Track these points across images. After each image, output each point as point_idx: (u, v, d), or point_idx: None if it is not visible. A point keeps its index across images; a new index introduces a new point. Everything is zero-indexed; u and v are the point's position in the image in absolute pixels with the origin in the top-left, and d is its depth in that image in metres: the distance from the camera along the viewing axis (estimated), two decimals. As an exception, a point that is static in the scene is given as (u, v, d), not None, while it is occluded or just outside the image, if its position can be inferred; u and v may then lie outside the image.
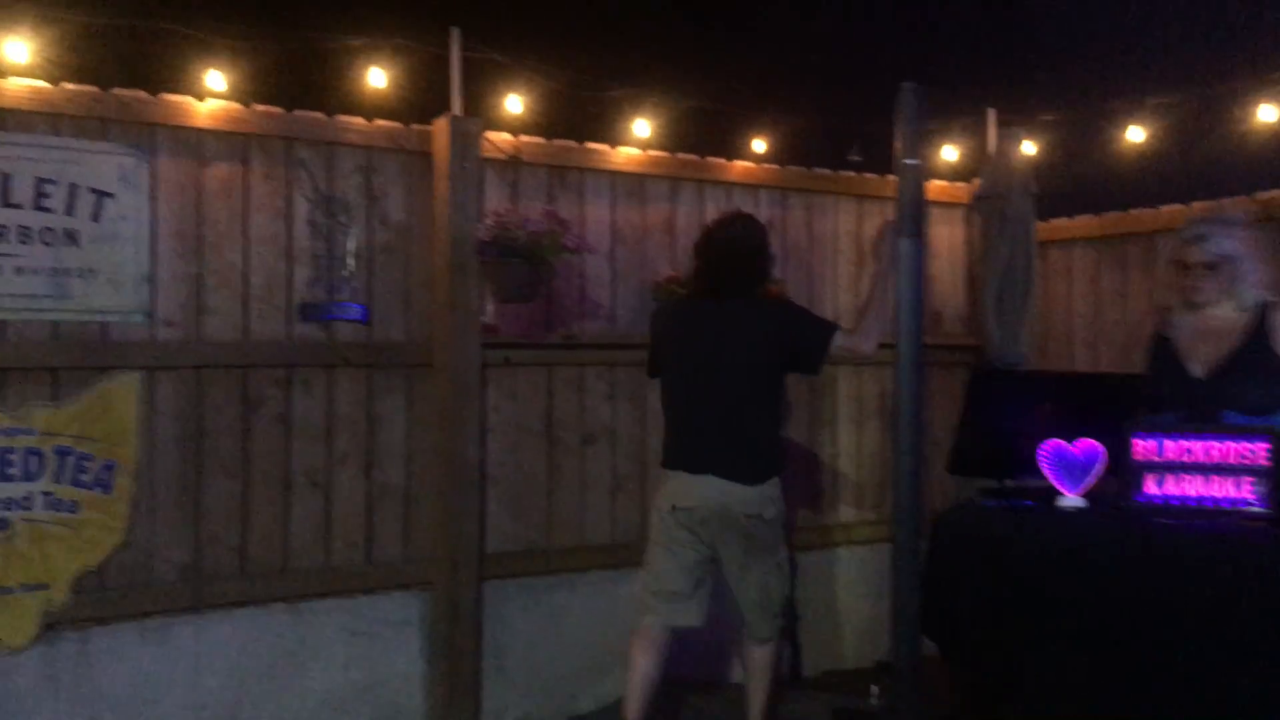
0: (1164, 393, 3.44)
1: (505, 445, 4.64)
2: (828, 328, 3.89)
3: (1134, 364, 5.11)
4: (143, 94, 3.98)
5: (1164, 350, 3.60)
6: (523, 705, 4.65)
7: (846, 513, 5.48)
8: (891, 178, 5.50)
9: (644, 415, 4.95)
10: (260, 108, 4.17)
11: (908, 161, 2.53)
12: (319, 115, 4.28)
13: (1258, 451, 2.74)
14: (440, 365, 4.42)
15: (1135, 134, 5.18)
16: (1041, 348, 5.73)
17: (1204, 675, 2.65)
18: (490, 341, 4.49)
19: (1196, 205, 5.06)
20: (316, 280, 4.28)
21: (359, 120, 4.36)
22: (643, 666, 4.00)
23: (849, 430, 5.49)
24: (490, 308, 4.50)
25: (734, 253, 4.00)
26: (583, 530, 4.83)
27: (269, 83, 4.20)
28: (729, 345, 3.88)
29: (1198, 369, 3.49)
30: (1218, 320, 3.56)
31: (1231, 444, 2.76)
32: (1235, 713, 2.61)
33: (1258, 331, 3.48)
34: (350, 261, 4.34)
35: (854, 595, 5.44)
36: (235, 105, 4.11)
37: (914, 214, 2.53)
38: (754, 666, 4.10)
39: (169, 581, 4.02)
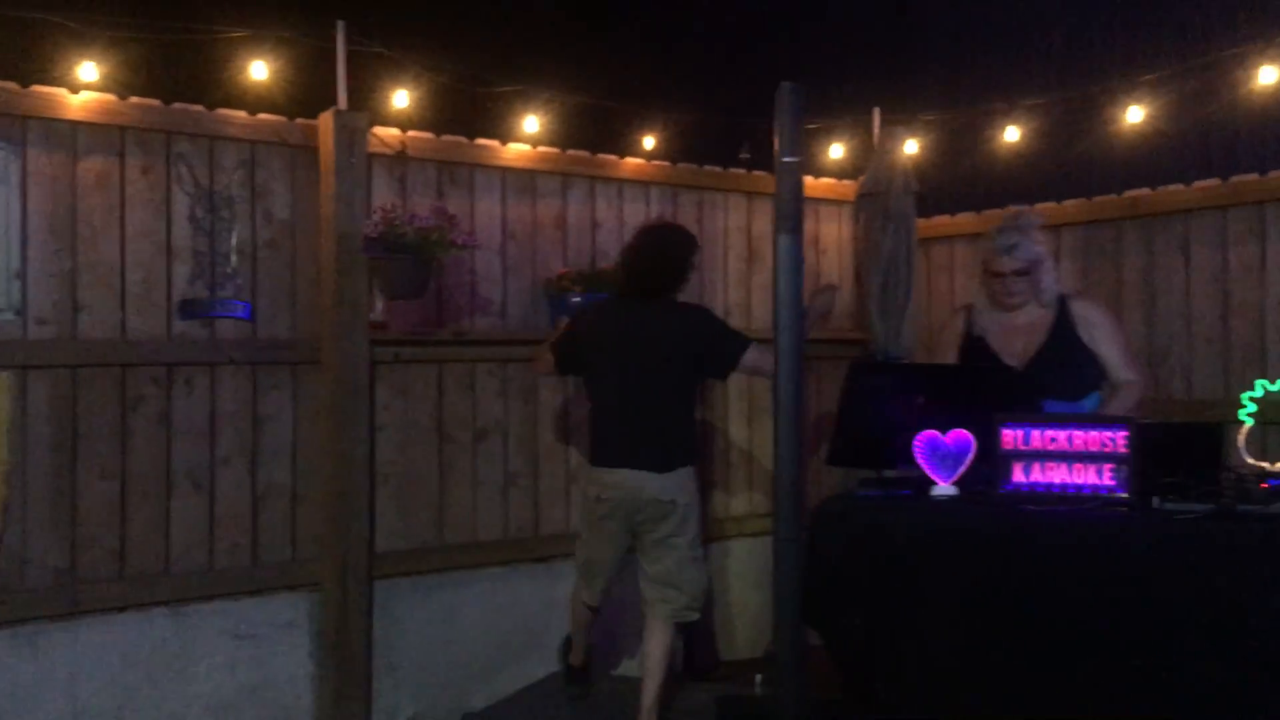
0: (986, 388, 3.61)
1: (395, 443, 4.60)
2: (741, 343, 4.06)
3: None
4: (13, 86, 3.85)
5: (978, 349, 3.84)
6: (415, 704, 4.62)
7: (739, 505, 5.55)
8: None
9: (536, 411, 4.96)
10: (137, 100, 4.07)
11: (786, 159, 2.58)
12: (199, 108, 4.19)
13: (1117, 439, 2.86)
14: (328, 362, 4.36)
15: (1012, 134, 5.35)
16: (925, 342, 5.87)
17: (1071, 652, 2.76)
18: (379, 338, 4.45)
19: (1069, 203, 5.25)
20: (198, 277, 4.19)
21: (241, 114, 4.28)
22: (582, 639, 4.52)
23: (740, 425, 5.56)
24: (380, 304, 4.46)
25: (660, 258, 4.17)
26: (475, 527, 4.81)
27: (148, 75, 4.10)
28: (649, 347, 4.05)
29: (1012, 361, 3.76)
30: (1025, 317, 3.86)
31: (1093, 433, 2.88)
32: (1100, 687, 2.72)
33: (1061, 323, 3.81)
34: (233, 258, 4.26)
35: (746, 586, 5.52)
36: (110, 97, 4.00)
37: (792, 211, 2.58)
38: (653, 647, 4.18)
39: (43, 587, 3.89)
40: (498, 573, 4.85)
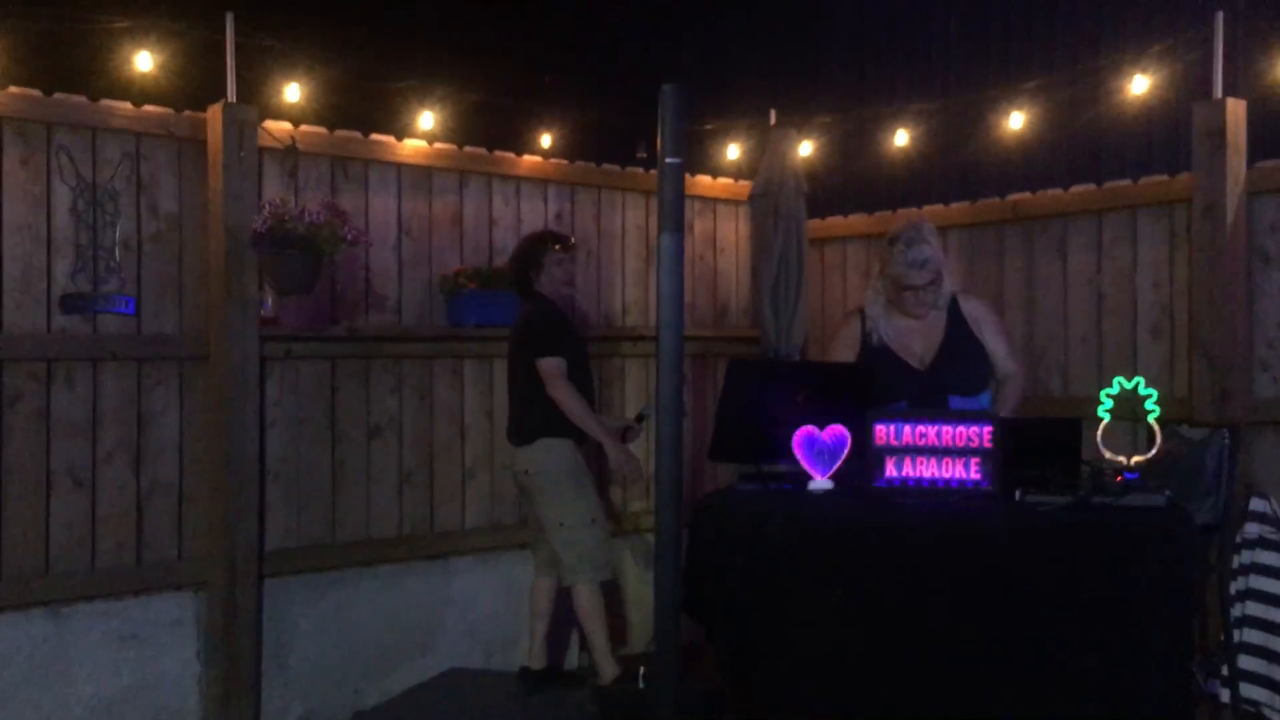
0: (888, 384, 3.72)
1: (286, 439, 4.56)
2: (538, 350, 4.53)
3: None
4: (-118, 72, 3.75)
5: (879, 351, 3.89)
6: (306, 703, 4.59)
7: (635, 502, 5.60)
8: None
9: (431, 408, 4.96)
10: (16, 90, 3.98)
11: (670, 160, 2.63)
12: (82, 99, 4.11)
13: (983, 434, 2.97)
14: (216, 358, 4.31)
15: (901, 137, 5.48)
16: (820, 339, 5.99)
17: (941, 638, 2.86)
18: (270, 334, 4.41)
19: (955, 205, 5.40)
20: (80, 271, 4.11)
21: (126, 105, 4.21)
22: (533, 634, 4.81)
23: (637, 421, 5.60)
24: (270, 300, 4.41)
25: (514, 257, 4.79)
26: (368, 524, 4.79)
27: (29, 64, 4.01)
28: (511, 337, 4.72)
29: (914, 361, 3.86)
30: (922, 319, 3.94)
31: (961, 428, 2.98)
32: (969, 670, 2.83)
33: (956, 321, 3.92)
34: (117, 251, 4.19)
35: (643, 581, 5.57)
36: (-13, 87, 3.91)
37: (675, 211, 2.64)
38: (577, 609, 4.59)
39: (-85, 588, 3.80)
40: (391, 570, 4.84)
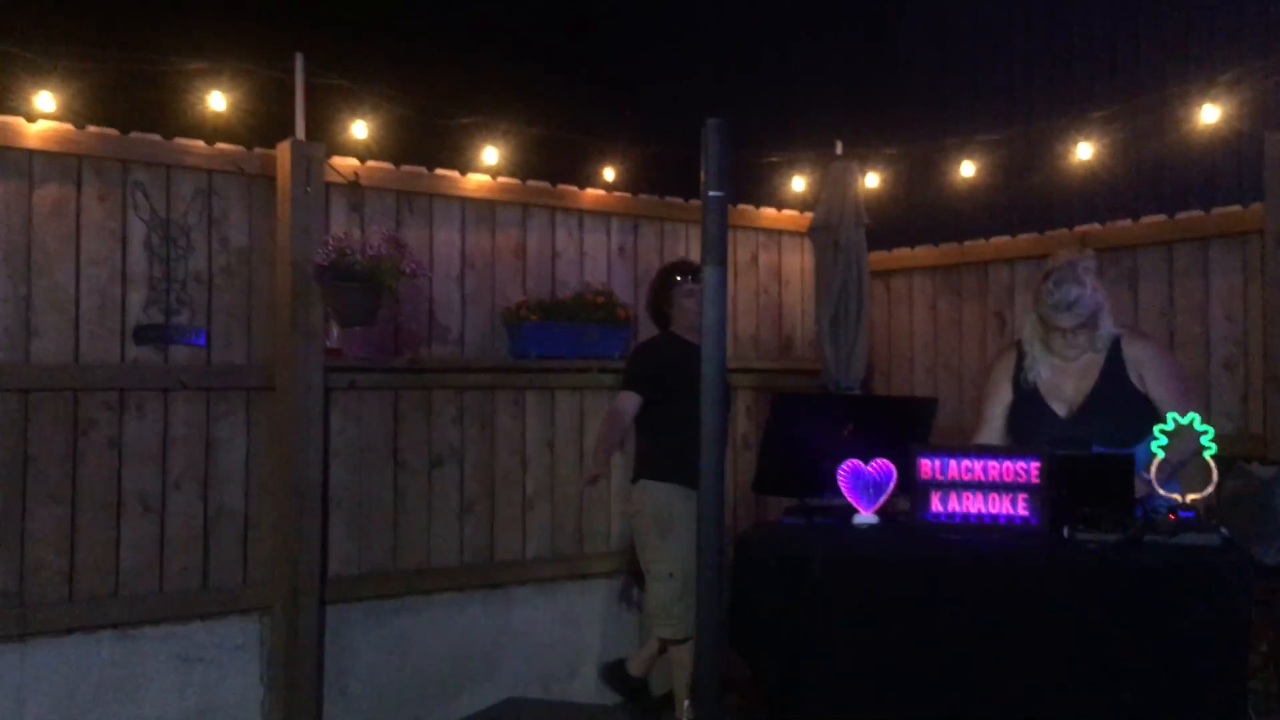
0: (1029, 431, 3.53)
1: (349, 468, 4.65)
2: (622, 383, 4.66)
3: (970, 386, 5.38)
4: (-31, 115, 3.94)
5: (1028, 393, 3.64)
6: (366, 729, 4.65)
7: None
8: (741, 206, 5.75)
9: (493, 438, 5.01)
10: (94, 129, 4.15)
11: (712, 194, 2.65)
12: (156, 138, 4.27)
13: (1030, 470, 2.91)
14: (282, 388, 4.42)
15: (968, 169, 5.43)
16: (885, 372, 5.94)
17: (984, 675, 2.80)
18: (334, 365, 4.51)
19: (1023, 237, 5.31)
20: (153, 303, 4.26)
21: (199, 143, 4.36)
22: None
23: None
24: (335, 331, 4.52)
25: (648, 295, 4.93)
26: (429, 553, 4.85)
27: (106, 104, 4.18)
28: None
29: (1061, 409, 3.58)
30: (1078, 360, 3.62)
31: (1008, 463, 2.93)
32: (1013, 709, 2.76)
33: (1114, 365, 3.56)
34: (189, 284, 4.33)
35: (704, 615, 5.52)
36: (67, 126, 4.08)
37: (718, 244, 2.66)
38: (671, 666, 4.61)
39: (-9, 609, 3.94)
40: (452, 599, 4.88)
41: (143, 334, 4.23)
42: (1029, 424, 3.61)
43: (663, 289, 4.75)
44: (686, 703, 3.63)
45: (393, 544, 4.77)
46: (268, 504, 4.48)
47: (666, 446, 4.49)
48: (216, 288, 4.41)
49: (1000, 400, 3.73)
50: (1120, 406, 3.52)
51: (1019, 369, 3.71)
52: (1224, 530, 2.86)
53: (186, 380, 4.31)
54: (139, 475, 4.22)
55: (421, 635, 4.80)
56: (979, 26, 5.67)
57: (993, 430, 3.68)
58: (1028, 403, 3.65)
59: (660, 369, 4.57)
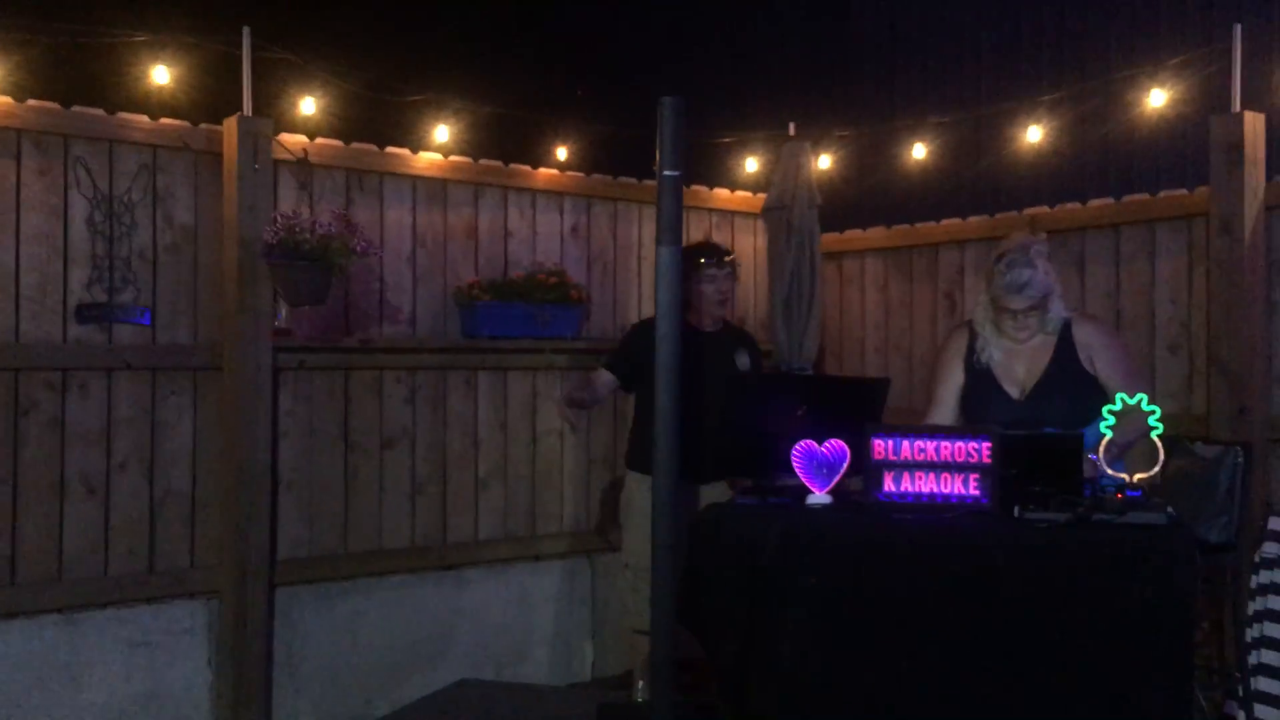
0: (982, 413, 3.55)
1: (299, 449, 4.59)
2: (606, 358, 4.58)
3: (920, 367, 5.42)
4: (-98, 86, 3.83)
5: (980, 369, 3.67)
6: (316, 712, 4.61)
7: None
8: (695, 187, 5.74)
9: (445, 419, 4.98)
10: (35, 103, 4.05)
11: (667, 173, 2.64)
12: (99, 112, 4.17)
13: (982, 450, 2.94)
14: (230, 368, 4.35)
15: (920, 151, 5.46)
16: (836, 353, 5.97)
17: (936, 653, 2.83)
18: (283, 345, 4.45)
19: (973, 219, 5.36)
20: (96, 281, 4.17)
21: (143, 118, 4.27)
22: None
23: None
24: (284, 311, 4.45)
25: None
26: (381, 535, 4.81)
27: (47, 78, 4.08)
28: None
29: (1014, 390, 3.62)
30: (1029, 342, 3.65)
31: (960, 443, 2.95)
32: (965, 686, 2.79)
33: (1064, 348, 3.60)
34: (133, 262, 4.25)
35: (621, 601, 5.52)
36: (7, 100, 3.98)
37: (673, 223, 2.65)
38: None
39: (-70, 593, 3.86)
40: (403, 580, 4.85)
41: (85, 313, 4.14)
42: (982, 406, 3.64)
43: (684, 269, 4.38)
44: (640, 683, 3.64)
45: (343, 525, 4.73)
46: (215, 486, 4.41)
47: (641, 434, 4.39)
48: (161, 266, 4.33)
49: (952, 381, 3.76)
50: (1071, 389, 3.56)
51: (971, 350, 3.73)
52: (1170, 509, 2.90)
53: (131, 360, 4.23)
54: (83, 457, 4.14)
55: (373, 617, 4.77)
56: (930, 9, 5.70)
57: (945, 410, 3.72)
58: (980, 384, 3.68)
59: (643, 356, 4.41)
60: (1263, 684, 3.90)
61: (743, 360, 4.42)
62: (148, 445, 4.29)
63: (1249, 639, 3.88)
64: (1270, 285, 4.37)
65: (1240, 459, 3.71)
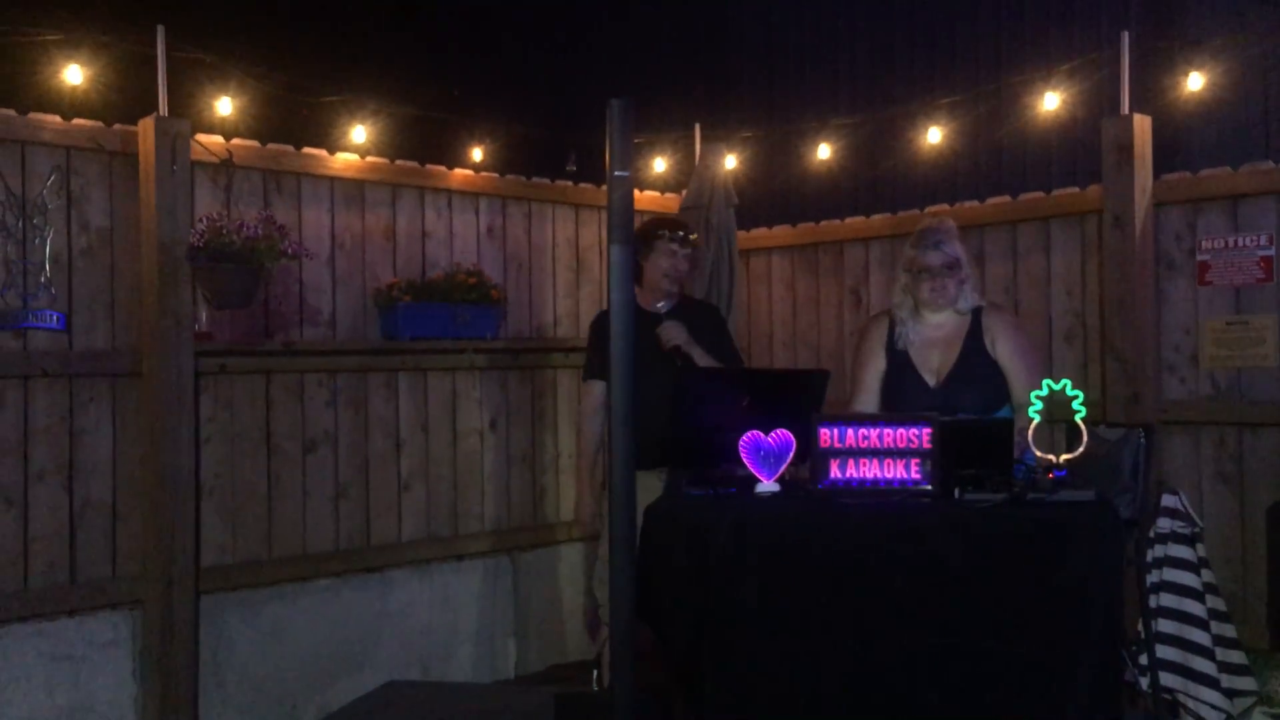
0: (901, 399, 3.75)
1: (221, 455, 4.52)
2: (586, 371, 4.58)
3: (827, 361, 5.61)
4: None
5: (899, 357, 3.86)
6: (243, 720, 4.55)
7: (568, 512, 5.65)
8: (604, 187, 5.80)
9: (366, 421, 4.96)
10: (-59, 103, 3.91)
11: (617, 173, 2.69)
12: (9, 112, 4.04)
13: (923, 436, 3.09)
14: (150, 374, 4.27)
15: (824, 151, 5.65)
16: (745, 349, 6.12)
17: (884, 634, 2.96)
18: (204, 349, 4.38)
19: (876, 217, 5.57)
20: (9, 286, 4.05)
21: (56, 119, 4.15)
22: None
23: (570, 431, 5.65)
24: (204, 315, 4.38)
25: None
26: (305, 539, 4.77)
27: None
28: None
29: (930, 378, 3.81)
30: (943, 329, 3.85)
31: (902, 430, 3.10)
32: (912, 663, 2.94)
33: (974, 336, 3.79)
34: (47, 266, 4.13)
35: (576, 591, 5.62)
36: (-88, 99, 3.84)
37: (624, 222, 2.70)
38: None
39: None
40: (328, 585, 4.82)
41: (-1, 319, 4.02)
42: (900, 393, 3.83)
43: (643, 238, 4.28)
44: (595, 672, 3.71)
45: (267, 531, 4.67)
46: (137, 494, 4.32)
47: None
48: (77, 270, 4.22)
49: (875, 366, 3.93)
50: (981, 376, 3.77)
51: (891, 336, 3.91)
52: (1093, 488, 3.10)
53: (47, 367, 4.11)
54: (-1, 468, 4.02)
55: (298, 623, 4.72)
56: (825, 12, 5.90)
57: (870, 395, 3.88)
58: (899, 372, 3.86)
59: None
60: (1161, 651, 4.18)
61: (671, 335, 4.22)
62: (66, 454, 4.18)
63: (1151, 607, 4.15)
64: (1159, 278, 4.66)
65: (1143, 440, 3.96)
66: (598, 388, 4.36)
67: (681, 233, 4.34)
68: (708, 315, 4.52)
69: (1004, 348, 3.79)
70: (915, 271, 3.81)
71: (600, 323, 4.49)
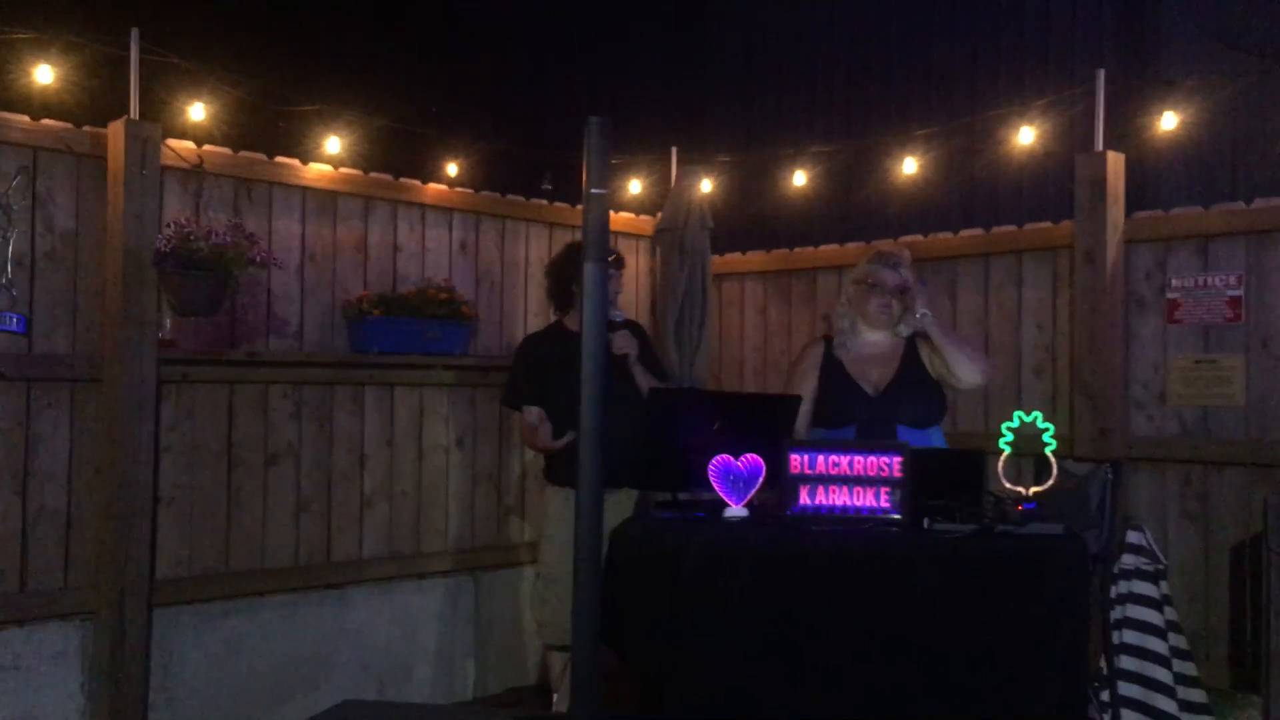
0: (840, 408, 3.84)
1: (181, 465, 4.44)
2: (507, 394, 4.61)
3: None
4: None
5: (836, 371, 3.96)
6: (194, 737, 4.45)
7: (532, 532, 5.59)
8: (578, 207, 5.79)
9: (331, 435, 4.89)
10: (-94, 98, 3.84)
11: (594, 191, 2.66)
12: (-25, 110, 3.98)
13: (893, 464, 3.08)
14: (110, 380, 4.19)
15: (799, 178, 5.65)
16: (716, 374, 6.11)
17: (851, 662, 2.94)
18: (168, 357, 4.31)
19: (850, 246, 5.57)
20: (-31, 287, 3.96)
21: (23, 118, 4.08)
22: None
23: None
24: (168, 322, 4.31)
25: (555, 267, 4.62)
26: (263, 553, 4.69)
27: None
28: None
29: (868, 388, 3.90)
30: (880, 347, 3.98)
31: (872, 458, 3.09)
32: (879, 692, 2.91)
33: (912, 355, 3.93)
34: (8, 268, 4.05)
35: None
36: (-124, 93, 3.76)
37: (599, 240, 2.67)
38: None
39: None
40: (286, 600, 4.73)
41: (-43, 319, 3.93)
42: (838, 403, 3.90)
43: (574, 267, 4.30)
44: (555, 695, 3.65)
45: (225, 544, 4.58)
46: (92, 503, 4.23)
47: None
48: (40, 272, 4.14)
49: (806, 388, 4.01)
50: (918, 390, 3.90)
51: (826, 358, 4.03)
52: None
53: (5, 369, 4.02)
54: (-49, 471, 3.92)
55: (254, 638, 4.63)
56: (804, 40, 5.92)
57: (801, 418, 3.88)
58: (836, 383, 3.94)
59: (545, 369, 4.38)
60: (1123, 688, 4.18)
61: (623, 345, 4.27)
62: (21, 459, 4.08)
63: (1114, 644, 4.15)
64: (1129, 314, 4.69)
65: (1110, 475, 3.97)
66: (533, 412, 4.40)
67: (613, 256, 4.49)
68: (639, 333, 4.57)
69: (935, 345, 3.88)
70: (867, 285, 3.95)
71: (531, 348, 4.56)
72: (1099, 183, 4.59)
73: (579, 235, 5.74)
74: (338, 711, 4.73)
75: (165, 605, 4.36)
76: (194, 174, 4.44)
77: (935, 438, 3.91)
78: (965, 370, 3.88)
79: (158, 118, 4.32)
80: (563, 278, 4.47)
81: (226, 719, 4.53)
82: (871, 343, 3.99)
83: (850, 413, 3.83)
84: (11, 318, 4.04)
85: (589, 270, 2.99)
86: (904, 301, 3.93)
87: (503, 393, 4.67)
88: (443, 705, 5.00)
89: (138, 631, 4.21)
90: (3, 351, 4.04)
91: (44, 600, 4.12)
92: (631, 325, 4.53)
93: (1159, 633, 4.20)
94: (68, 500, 4.19)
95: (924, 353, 3.95)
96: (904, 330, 3.97)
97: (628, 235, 6.05)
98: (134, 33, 4.19)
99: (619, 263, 4.64)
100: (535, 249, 5.70)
